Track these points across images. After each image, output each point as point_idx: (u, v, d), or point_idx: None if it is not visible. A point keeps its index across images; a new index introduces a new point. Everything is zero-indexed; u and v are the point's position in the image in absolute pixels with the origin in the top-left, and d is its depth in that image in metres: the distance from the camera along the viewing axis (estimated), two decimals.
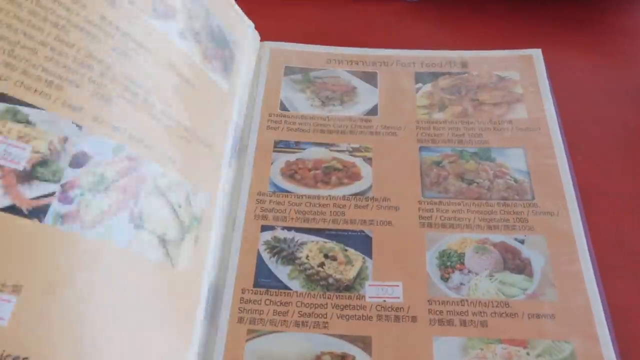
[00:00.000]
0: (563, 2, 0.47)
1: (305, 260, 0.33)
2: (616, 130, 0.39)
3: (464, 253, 0.33)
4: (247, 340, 0.30)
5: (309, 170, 0.37)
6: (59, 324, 0.22)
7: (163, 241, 0.28)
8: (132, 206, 0.27)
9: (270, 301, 0.31)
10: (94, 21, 0.27)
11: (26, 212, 0.23)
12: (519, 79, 0.42)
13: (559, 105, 0.40)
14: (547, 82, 0.41)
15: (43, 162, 0.24)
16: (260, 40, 0.44)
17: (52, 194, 0.24)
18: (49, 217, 0.23)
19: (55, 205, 0.24)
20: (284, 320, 0.31)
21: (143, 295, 0.26)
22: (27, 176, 0.24)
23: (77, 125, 0.25)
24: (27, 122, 0.24)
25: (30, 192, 0.23)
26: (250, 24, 0.42)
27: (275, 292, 0.32)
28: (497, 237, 0.34)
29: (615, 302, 0.31)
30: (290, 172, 0.37)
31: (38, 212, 0.23)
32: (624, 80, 0.42)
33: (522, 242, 0.34)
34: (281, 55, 0.43)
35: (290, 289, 0.32)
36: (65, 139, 0.25)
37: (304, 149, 0.38)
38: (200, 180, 0.31)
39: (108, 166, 0.26)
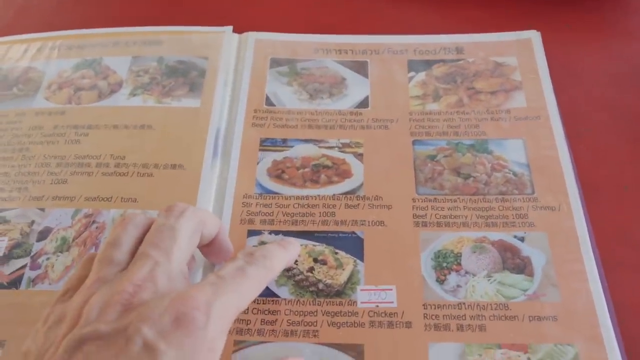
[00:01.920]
0: None
1: (294, 265, 0.31)
2: (620, 115, 0.37)
3: (460, 253, 0.32)
4: (233, 352, 0.29)
5: (297, 169, 0.35)
6: None
7: None
8: (93, 251, 0.31)
9: (258, 310, 0.30)
10: (49, 132, 0.37)
11: (6, 284, 0.31)
12: (517, 64, 0.39)
13: (559, 91, 0.38)
14: (546, 67, 0.39)
15: (17, 245, 0.32)
16: (245, 31, 0.41)
17: (24, 266, 0.32)
18: (23, 284, 0.31)
19: (28, 273, 0.31)
20: (273, 330, 0.29)
21: None
22: (5, 259, 0.32)
23: (40, 209, 0.33)
24: (4, 221, 0.33)
25: (8, 269, 0.32)
26: (225, 28, 0.41)
27: (263, 300, 0.30)
28: (495, 235, 0.32)
29: (620, 300, 0.30)
30: (278, 172, 0.35)
31: (15, 282, 0.31)
32: (626, 62, 0.40)
33: (522, 239, 0.32)
34: (266, 46, 0.41)
35: (278, 296, 0.31)
36: (32, 223, 0.33)
37: (292, 147, 0.36)
38: (169, 202, 0.32)
39: (68, 229, 0.33)
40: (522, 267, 0.31)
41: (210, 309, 0.22)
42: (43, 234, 0.32)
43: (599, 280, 0.30)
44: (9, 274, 0.31)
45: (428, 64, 0.40)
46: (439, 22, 0.43)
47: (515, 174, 0.34)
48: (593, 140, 0.36)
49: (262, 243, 0.32)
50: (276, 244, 0.29)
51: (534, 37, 0.41)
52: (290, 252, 0.29)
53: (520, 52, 0.40)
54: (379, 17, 0.44)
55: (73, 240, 0.32)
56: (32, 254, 0.32)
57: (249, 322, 0.30)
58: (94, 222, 0.33)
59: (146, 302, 0.22)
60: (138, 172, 0.34)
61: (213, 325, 0.22)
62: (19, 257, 0.32)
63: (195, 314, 0.22)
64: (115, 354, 0.20)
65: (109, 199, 0.33)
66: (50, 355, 0.21)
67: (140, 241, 0.25)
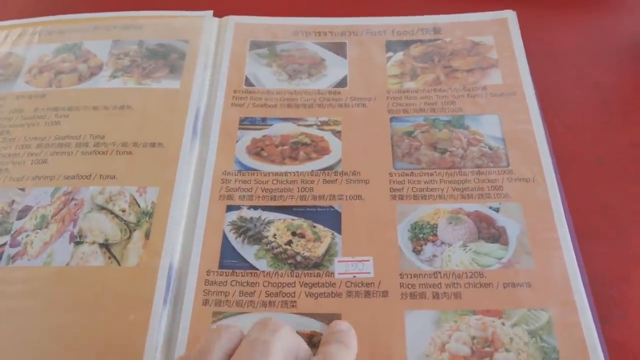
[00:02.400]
0: None
1: (273, 239, 0.32)
2: (593, 91, 0.38)
3: (436, 224, 0.32)
4: (212, 322, 0.29)
5: (276, 146, 0.36)
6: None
7: (106, 246, 0.32)
8: (72, 228, 0.32)
9: (237, 282, 0.30)
10: (30, 115, 0.37)
11: None
12: (493, 43, 0.40)
13: (534, 68, 0.38)
14: (522, 45, 0.39)
15: None
16: (225, 15, 0.42)
17: (4, 244, 0.32)
18: (2, 261, 0.31)
19: (7, 250, 0.32)
20: (251, 301, 0.30)
21: (92, 296, 0.30)
22: None
23: (21, 189, 0.34)
24: None
25: None
26: (206, 13, 0.42)
27: (242, 272, 0.31)
28: (471, 206, 0.33)
29: (592, 267, 0.30)
30: (257, 150, 0.36)
31: None
32: (601, 38, 0.41)
33: (497, 210, 0.33)
34: (246, 29, 0.42)
35: (257, 269, 0.31)
36: (12, 202, 0.33)
37: (271, 125, 0.37)
38: (148, 179, 0.34)
39: (47, 207, 0.33)
40: (497, 236, 0.32)
41: None
42: (23, 213, 0.33)
43: (573, 248, 0.31)
44: None
45: (406, 44, 0.40)
46: (417, 4, 0.43)
47: (490, 148, 0.35)
48: (568, 115, 0.37)
49: (241, 218, 0.33)
50: (336, 342, 0.27)
51: (510, 16, 0.41)
52: (352, 347, 0.27)
53: (497, 31, 0.41)
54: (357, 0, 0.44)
55: (52, 217, 0.33)
56: (12, 232, 0.32)
57: (227, 293, 0.30)
58: (72, 199, 0.33)
59: None
60: (117, 151, 0.34)
61: None
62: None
63: None
64: None
65: (88, 177, 0.34)
66: None
67: (231, 353, 0.24)
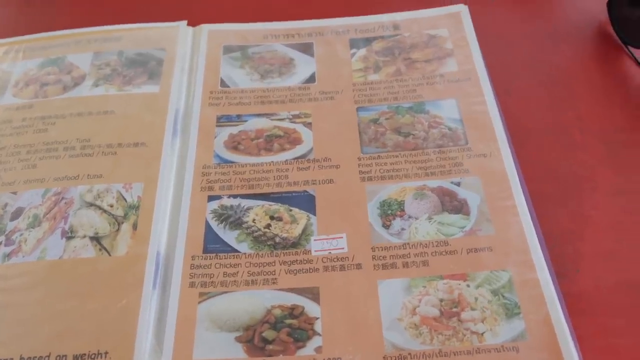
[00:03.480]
0: None
1: (252, 224, 0.34)
2: (542, 72, 0.41)
3: (403, 201, 0.35)
4: (199, 303, 0.31)
5: (252, 140, 0.38)
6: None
7: (96, 239, 0.34)
8: (63, 225, 0.34)
9: (220, 264, 0.33)
10: (18, 124, 0.39)
11: None
12: (448, 35, 0.43)
13: (487, 55, 0.42)
14: (474, 35, 0.43)
15: None
16: (198, 24, 0.45)
17: (0, 243, 0.34)
18: None
19: (3, 249, 0.34)
20: (234, 281, 0.32)
21: (85, 285, 0.32)
22: None
23: (13, 192, 0.36)
24: None
25: None
26: (180, 23, 0.45)
27: (225, 255, 0.33)
28: (434, 182, 0.35)
29: (548, 228, 0.33)
30: (234, 144, 0.38)
31: None
32: (547, 26, 0.44)
33: (458, 184, 0.35)
34: (219, 35, 0.44)
35: (239, 251, 0.33)
36: (5, 205, 0.36)
37: (246, 121, 0.39)
38: (133, 175, 0.36)
39: (39, 207, 0.35)
40: (459, 207, 0.34)
41: None
42: (16, 214, 0.35)
43: (529, 213, 0.34)
44: None
45: (368, 41, 0.44)
46: (376, 3, 0.46)
47: (450, 129, 0.38)
48: (520, 95, 0.40)
49: (222, 206, 0.35)
50: None
51: (462, 10, 0.45)
52: None
53: (451, 24, 0.44)
54: (323, 2, 0.47)
55: (44, 216, 0.34)
56: (6, 232, 0.34)
57: (212, 275, 0.32)
58: (62, 198, 0.35)
59: None
60: (102, 152, 0.37)
61: None
62: None
63: None
64: None
65: (77, 177, 0.36)
66: None
67: None
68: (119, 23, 0.45)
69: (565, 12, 0.45)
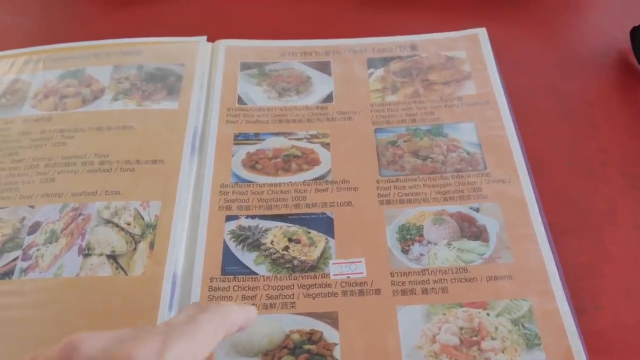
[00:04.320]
0: None
1: (270, 246, 0.34)
2: (562, 99, 0.41)
3: (422, 225, 0.35)
4: None
5: (270, 159, 0.38)
6: None
7: (113, 257, 0.34)
8: (80, 242, 0.34)
9: (239, 287, 0.32)
10: (37, 137, 0.39)
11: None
12: (466, 57, 0.43)
13: (506, 79, 0.42)
14: (492, 58, 0.43)
15: (9, 240, 0.35)
16: (217, 39, 0.45)
17: (16, 258, 0.34)
18: (15, 274, 0.33)
19: (19, 264, 0.34)
20: (253, 304, 0.32)
21: (101, 304, 0.32)
22: None
23: (30, 206, 0.36)
24: None
25: (1, 261, 0.34)
26: (200, 38, 0.45)
27: (243, 278, 0.33)
28: (453, 207, 0.35)
29: (567, 261, 0.33)
30: (252, 163, 0.38)
31: (8, 273, 0.33)
32: (567, 51, 0.44)
33: (477, 210, 0.35)
34: (236, 52, 0.44)
35: (257, 274, 0.33)
36: (23, 219, 0.35)
37: (264, 140, 0.39)
38: (151, 193, 0.36)
39: (56, 222, 0.35)
40: (479, 234, 0.34)
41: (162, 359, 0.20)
42: (33, 228, 0.35)
43: (548, 242, 0.34)
44: (2, 266, 0.33)
45: (386, 61, 0.44)
46: (394, 25, 0.46)
47: (468, 153, 0.38)
48: (539, 122, 0.40)
49: (240, 227, 0.35)
50: (234, 303, 0.28)
51: (480, 33, 0.45)
52: (247, 312, 0.27)
53: (469, 46, 0.44)
54: (340, 22, 0.47)
55: (61, 231, 0.34)
56: (23, 246, 0.34)
57: (230, 298, 0.32)
58: (80, 214, 0.35)
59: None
60: (121, 168, 0.36)
61: None
62: (11, 250, 0.34)
63: None
64: None
65: (94, 193, 0.36)
66: None
67: None
68: (138, 36, 0.45)
69: (585, 36, 0.45)
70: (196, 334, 0.22)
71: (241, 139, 0.39)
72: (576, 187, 0.37)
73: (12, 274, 0.33)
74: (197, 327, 0.22)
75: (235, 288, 0.32)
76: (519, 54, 0.44)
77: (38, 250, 0.34)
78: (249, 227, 0.35)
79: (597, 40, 0.45)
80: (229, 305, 0.26)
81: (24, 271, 0.33)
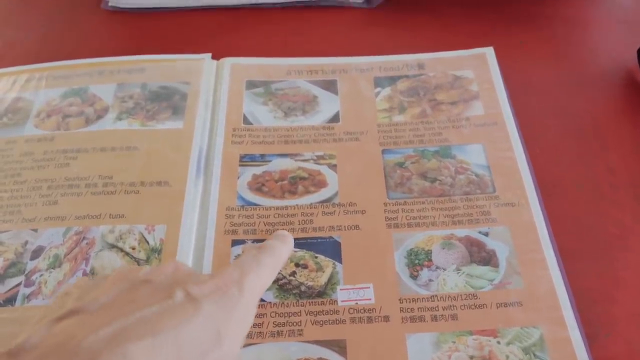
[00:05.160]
0: (515, 0, 0.49)
1: None
2: (570, 120, 0.41)
3: (431, 250, 0.34)
4: None
5: (276, 181, 0.38)
6: None
7: None
8: (84, 267, 0.33)
9: None
10: (39, 157, 0.38)
11: (2, 303, 0.32)
12: (473, 77, 0.43)
13: (514, 100, 0.41)
14: (500, 78, 0.42)
15: (12, 265, 0.34)
16: (222, 57, 0.44)
17: (19, 284, 0.33)
18: (18, 301, 0.32)
19: (22, 290, 0.33)
20: (260, 332, 0.31)
21: None
22: (1, 278, 0.33)
23: (33, 230, 0.35)
24: None
25: (4, 287, 0.33)
26: (205, 56, 0.44)
27: None
28: (462, 231, 0.35)
29: (577, 286, 0.32)
30: (258, 185, 0.37)
31: (11, 300, 0.32)
32: (575, 71, 0.44)
33: (486, 234, 0.35)
34: (242, 70, 0.44)
35: (264, 300, 0.32)
36: (25, 243, 0.34)
37: (270, 161, 0.39)
38: (156, 217, 0.35)
39: (60, 247, 0.34)
40: (488, 259, 0.34)
41: (242, 283, 0.26)
42: (36, 253, 0.34)
43: (558, 267, 0.33)
44: (5, 292, 0.32)
45: (393, 80, 0.43)
46: (402, 43, 0.46)
47: (477, 175, 0.37)
48: (547, 143, 0.40)
49: None
50: (276, 239, 0.32)
51: (487, 52, 0.44)
52: (289, 244, 0.33)
53: (476, 65, 0.44)
54: (346, 39, 0.47)
55: (65, 256, 0.34)
56: (26, 272, 0.33)
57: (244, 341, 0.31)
58: (84, 238, 0.34)
59: (191, 273, 0.28)
60: (125, 190, 0.36)
61: (245, 297, 0.26)
62: (13, 276, 0.33)
63: (230, 286, 0.26)
64: (164, 297, 0.24)
65: (98, 216, 0.35)
66: (106, 290, 0.25)
67: None
68: (141, 53, 0.44)
69: (592, 55, 0.45)
70: (261, 270, 0.28)
71: (247, 160, 0.39)
72: (586, 210, 0.36)
73: (15, 301, 0.32)
74: (261, 266, 0.29)
75: None
76: (526, 73, 0.44)
77: (41, 275, 0.33)
78: None
79: (605, 59, 0.44)
80: (279, 247, 0.31)
81: (27, 297, 0.32)
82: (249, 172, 0.38)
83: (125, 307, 0.23)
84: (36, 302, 0.32)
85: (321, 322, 0.32)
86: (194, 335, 0.23)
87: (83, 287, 0.26)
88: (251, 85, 0.43)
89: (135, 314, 0.23)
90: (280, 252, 0.31)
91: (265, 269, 0.29)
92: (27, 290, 0.33)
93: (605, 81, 0.43)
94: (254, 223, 0.35)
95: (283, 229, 0.35)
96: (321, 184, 0.37)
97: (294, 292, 0.33)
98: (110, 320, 0.23)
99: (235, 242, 0.35)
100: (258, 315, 0.32)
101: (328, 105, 0.42)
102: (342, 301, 0.32)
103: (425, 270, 0.33)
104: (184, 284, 0.25)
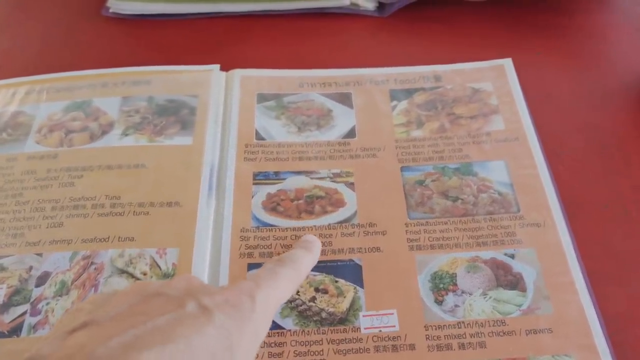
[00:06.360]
0: (531, 10, 0.48)
1: (296, 296, 0.32)
2: (592, 135, 0.40)
3: (455, 273, 0.33)
4: None
5: (292, 200, 0.36)
6: None
7: None
8: (92, 293, 0.32)
9: (265, 343, 0.30)
10: (42, 176, 0.36)
11: (6, 333, 0.31)
12: (492, 89, 0.42)
13: (534, 113, 0.40)
14: (520, 91, 0.41)
15: (16, 292, 0.32)
16: (231, 69, 0.43)
17: (24, 312, 0.31)
18: (24, 331, 0.31)
19: (28, 320, 0.31)
20: None
21: None
22: (5, 306, 0.31)
23: (38, 254, 0.33)
24: (2, 268, 0.33)
25: (8, 316, 0.31)
26: (213, 67, 0.42)
27: (269, 333, 0.30)
28: (487, 253, 0.34)
29: (607, 310, 0.31)
30: (273, 205, 0.36)
31: (16, 330, 0.31)
32: (596, 83, 0.43)
33: (512, 256, 0.34)
34: (252, 82, 0.42)
35: (283, 328, 0.31)
36: (30, 268, 0.33)
37: (284, 179, 0.37)
38: (167, 240, 0.33)
39: (66, 272, 0.32)
40: (515, 283, 0.33)
41: (254, 296, 0.25)
42: (42, 279, 0.32)
43: (587, 291, 0.32)
44: (9, 322, 0.31)
45: (409, 93, 0.42)
46: (418, 54, 0.45)
47: (500, 194, 0.36)
48: (571, 160, 0.38)
49: None
50: (300, 247, 0.31)
51: (506, 63, 0.43)
52: (315, 253, 0.32)
53: (495, 78, 0.42)
54: (360, 49, 0.45)
55: (72, 283, 0.32)
56: (31, 300, 0.31)
57: (256, 357, 0.30)
58: (92, 263, 0.32)
59: (203, 286, 0.27)
60: (134, 211, 0.34)
61: (258, 310, 0.25)
62: (18, 304, 0.31)
63: (243, 298, 0.25)
64: (176, 307, 0.24)
65: (106, 240, 0.33)
66: (118, 303, 0.24)
67: None
68: (146, 64, 0.43)
69: (613, 66, 0.44)
70: (278, 283, 0.28)
71: (261, 178, 0.37)
72: (611, 230, 0.35)
73: (21, 331, 0.30)
74: (278, 278, 0.28)
75: (261, 345, 0.30)
76: (546, 86, 0.42)
77: (48, 304, 0.31)
78: None
79: (624, 70, 0.43)
80: (301, 257, 0.30)
81: (33, 328, 0.30)
82: (263, 191, 0.36)
83: (137, 318, 0.23)
84: (43, 333, 0.30)
85: (344, 351, 0.30)
86: (206, 345, 0.23)
87: (95, 301, 0.25)
88: (262, 98, 0.41)
89: (147, 324, 0.22)
90: (302, 263, 0.30)
91: (282, 282, 0.28)
92: (33, 320, 0.31)
93: (627, 93, 0.42)
94: (270, 245, 0.34)
95: None
96: (339, 203, 0.36)
97: (314, 319, 0.31)
98: (122, 330, 0.22)
99: (251, 266, 0.33)
100: (278, 344, 0.30)
101: (343, 119, 0.40)
102: (365, 328, 0.31)
103: (450, 295, 0.32)
104: (196, 294, 0.25)
